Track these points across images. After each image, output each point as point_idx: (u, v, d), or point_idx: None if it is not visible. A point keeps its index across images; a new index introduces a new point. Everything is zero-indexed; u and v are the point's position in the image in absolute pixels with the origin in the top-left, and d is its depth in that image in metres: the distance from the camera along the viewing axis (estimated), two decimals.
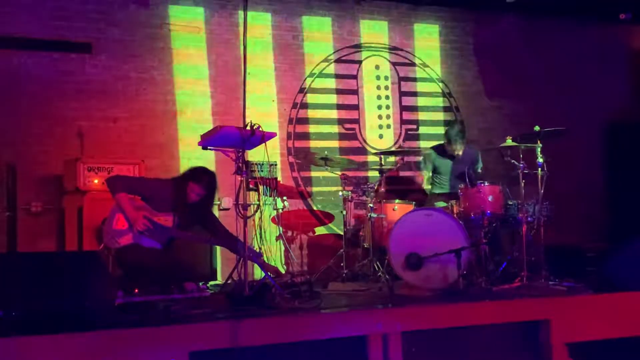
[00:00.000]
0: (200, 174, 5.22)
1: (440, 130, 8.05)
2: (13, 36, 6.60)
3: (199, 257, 6.12)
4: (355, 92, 8.02)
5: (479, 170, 6.71)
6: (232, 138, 4.81)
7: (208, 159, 6.56)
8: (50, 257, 4.57)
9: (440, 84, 8.38)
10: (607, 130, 8.67)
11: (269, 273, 5.25)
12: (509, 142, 5.71)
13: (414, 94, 8.28)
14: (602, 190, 8.53)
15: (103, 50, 6.94)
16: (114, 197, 5.04)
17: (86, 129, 6.78)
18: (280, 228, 6.53)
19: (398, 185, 6.89)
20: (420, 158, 7.10)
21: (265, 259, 5.95)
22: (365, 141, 7.96)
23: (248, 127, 4.66)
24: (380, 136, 8.05)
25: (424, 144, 8.04)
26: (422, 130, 8.23)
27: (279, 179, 7.08)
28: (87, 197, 6.01)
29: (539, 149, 5.58)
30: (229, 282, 5.53)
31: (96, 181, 6.07)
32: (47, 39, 6.72)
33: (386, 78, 8.16)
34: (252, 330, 3.83)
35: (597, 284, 5.01)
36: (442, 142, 6.85)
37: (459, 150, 6.60)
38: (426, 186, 6.84)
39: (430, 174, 6.81)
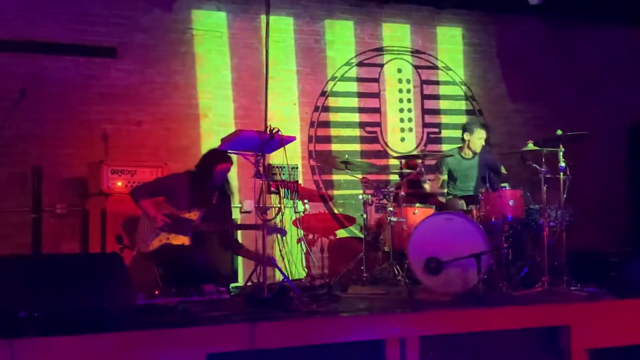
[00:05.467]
0: (220, 155, 5.38)
1: None
2: (39, 41, 6.71)
3: (221, 258, 6.15)
4: (377, 95, 8.02)
5: (504, 172, 6.67)
6: (251, 142, 4.84)
7: None
8: (73, 259, 4.64)
9: (463, 87, 8.34)
10: (630, 134, 8.56)
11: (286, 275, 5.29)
12: (530, 146, 5.67)
13: (437, 97, 8.26)
14: (625, 194, 8.42)
15: (127, 54, 7.03)
16: (138, 206, 5.33)
17: (110, 132, 6.86)
18: (301, 231, 6.54)
19: (418, 189, 6.87)
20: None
21: (287, 263, 5.96)
22: (386, 144, 7.95)
23: (267, 131, 4.69)
24: (402, 139, 8.04)
25: (446, 147, 8.00)
26: (445, 133, 8.20)
27: (300, 182, 7.11)
28: (111, 199, 6.09)
29: (561, 153, 5.52)
30: (247, 284, 5.56)
31: (120, 184, 6.16)
32: (72, 43, 6.82)
33: (408, 81, 8.14)
34: (270, 332, 3.84)
35: (620, 289, 4.94)
36: (460, 145, 6.83)
37: (481, 141, 6.57)
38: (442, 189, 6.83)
39: (446, 178, 6.79)
